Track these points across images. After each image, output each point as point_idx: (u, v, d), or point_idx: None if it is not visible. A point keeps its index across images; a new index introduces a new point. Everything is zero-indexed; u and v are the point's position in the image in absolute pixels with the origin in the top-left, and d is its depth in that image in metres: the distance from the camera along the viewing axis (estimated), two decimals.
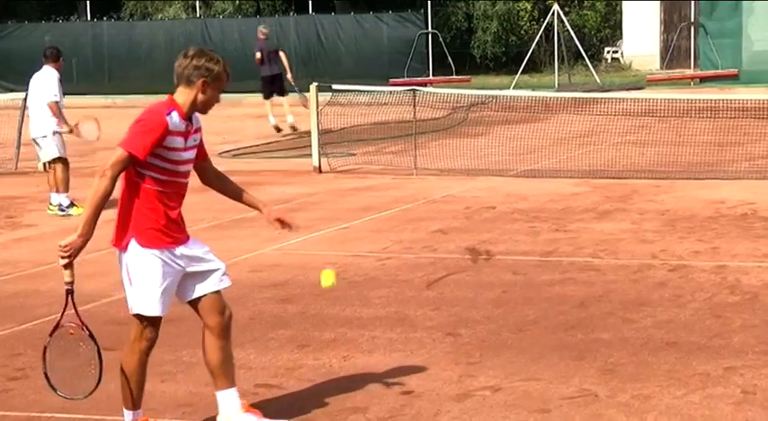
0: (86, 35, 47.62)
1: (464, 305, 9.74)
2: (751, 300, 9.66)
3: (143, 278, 6.56)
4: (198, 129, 6.70)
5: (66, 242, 6.50)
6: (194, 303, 6.67)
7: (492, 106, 29.30)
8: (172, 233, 6.65)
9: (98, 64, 45.79)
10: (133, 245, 6.62)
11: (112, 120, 33.84)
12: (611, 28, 49.95)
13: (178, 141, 6.47)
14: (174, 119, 6.42)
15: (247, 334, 9.00)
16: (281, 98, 27.59)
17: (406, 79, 38.00)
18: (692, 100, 29.67)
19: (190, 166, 6.74)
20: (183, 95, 6.54)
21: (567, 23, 42.53)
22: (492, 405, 7.09)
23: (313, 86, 20.10)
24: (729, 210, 14.25)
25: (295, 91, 27.14)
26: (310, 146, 19.56)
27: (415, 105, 21.25)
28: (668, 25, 47.13)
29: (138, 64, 44.80)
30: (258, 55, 28.68)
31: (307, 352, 8.37)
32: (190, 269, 6.62)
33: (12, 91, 31.98)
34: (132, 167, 6.52)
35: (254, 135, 26.11)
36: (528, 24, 48.21)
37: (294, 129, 26.66)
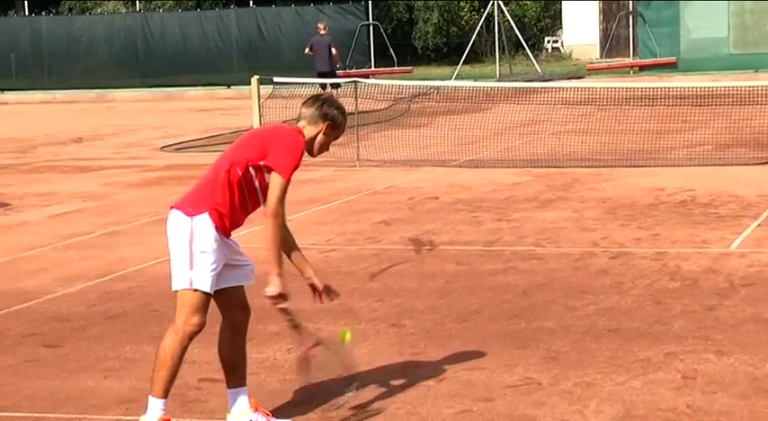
0: (24, 30, 47.40)
1: (408, 296, 9.72)
2: (691, 285, 9.70)
3: (205, 252, 6.37)
4: None
5: (272, 290, 6.44)
6: (220, 294, 6.56)
7: (434, 97, 29.41)
8: (231, 229, 6.61)
9: (37, 59, 45.50)
10: (205, 217, 6.41)
11: (52, 114, 33.93)
12: (550, 18, 50.24)
13: None
14: None
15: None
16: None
17: (349, 71, 37.95)
18: (631, 88, 30.03)
19: None
20: (309, 132, 6.80)
21: (507, 14, 42.70)
22: (436, 395, 7.08)
23: (254, 79, 20.06)
24: (669, 197, 14.30)
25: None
26: None
27: (356, 97, 21.24)
28: (607, 14, 47.41)
29: (78, 59, 44.57)
30: (308, 49, 31.33)
31: (250, 345, 8.27)
32: (229, 260, 6.55)
33: None
34: (249, 166, 6.52)
35: (197, 129, 25.96)
36: (468, 15, 48.39)
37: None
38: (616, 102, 27.79)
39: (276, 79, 23.52)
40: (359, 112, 20.89)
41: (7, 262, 11.94)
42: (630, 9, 44.83)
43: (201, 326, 6.40)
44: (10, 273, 11.35)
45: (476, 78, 37.18)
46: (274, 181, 6.43)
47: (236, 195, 6.49)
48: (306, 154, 6.77)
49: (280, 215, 6.43)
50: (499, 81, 36.17)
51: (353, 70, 38.02)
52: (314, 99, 6.93)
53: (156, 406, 6.32)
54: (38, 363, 8.18)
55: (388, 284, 10.23)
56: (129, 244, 12.63)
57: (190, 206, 6.45)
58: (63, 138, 25.78)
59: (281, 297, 6.50)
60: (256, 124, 19.49)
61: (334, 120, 6.79)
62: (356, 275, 10.59)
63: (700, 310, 8.87)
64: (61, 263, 11.76)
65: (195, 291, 6.33)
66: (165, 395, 6.32)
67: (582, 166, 17.31)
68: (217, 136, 23.84)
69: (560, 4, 49.46)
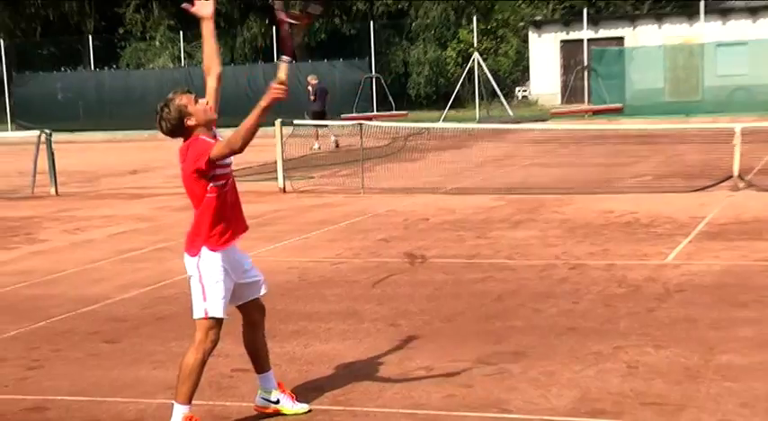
0: (91, 82, 47.64)
1: (403, 300, 9.72)
2: (634, 291, 9.71)
3: (218, 282, 6.24)
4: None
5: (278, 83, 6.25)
6: (240, 307, 6.54)
7: (425, 136, 29.43)
8: (236, 236, 6.43)
9: (100, 106, 45.63)
10: (205, 252, 6.28)
11: (112, 151, 34.00)
12: (520, 71, 50.28)
13: None
14: None
15: (226, 327, 8.95)
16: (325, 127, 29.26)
17: (355, 114, 37.96)
18: (586, 129, 30.13)
19: None
20: (192, 125, 6.48)
21: (485, 68, 42.74)
22: (426, 382, 7.07)
23: (277, 122, 20.06)
24: (617, 218, 14.31)
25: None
26: (276, 170, 19.55)
27: (362, 136, 21.25)
28: (566, 69, 47.43)
29: (134, 105, 44.47)
30: (313, 96, 31.48)
31: (274, 342, 8.30)
32: (240, 280, 6.39)
33: (28, 129, 31.72)
34: (204, 179, 6.39)
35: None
36: (453, 69, 48.39)
37: (338, 145, 28.96)
38: (574, 140, 27.91)
39: (296, 122, 23.54)
40: (363, 148, 20.91)
41: (75, 272, 11.96)
42: (585, 65, 44.91)
43: (217, 342, 6.33)
44: (77, 282, 11.37)
45: (459, 121, 37.13)
46: (218, 145, 6.20)
47: (220, 209, 6.32)
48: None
49: (235, 138, 6.12)
50: (479, 123, 36.18)
51: (359, 114, 37.95)
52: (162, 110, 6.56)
53: (180, 410, 6.19)
54: (99, 357, 8.19)
55: (387, 291, 10.22)
56: (175, 257, 12.60)
57: (190, 249, 6.37)
58: (121, 170, 25.81)
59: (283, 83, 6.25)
60: (279, 159, 19.52)
61: (180, 110, 6.38)
62: (361, 283, 10.58)
63: (641, 312, 8.87)
64: (119, 273, 11.77)
65: (210, 318, 6.24)
66: (189, 402, 6.21)
67: (546, 193, 17.31)
68: (246, 168, 23.84)
69: (528, 60, 49.52)
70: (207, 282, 6.21)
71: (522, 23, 50.33)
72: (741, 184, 16.86)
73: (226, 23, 52.90)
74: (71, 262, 12.68)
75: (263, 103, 6.10)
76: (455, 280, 10.61)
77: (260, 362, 6.64)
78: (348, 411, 6.56)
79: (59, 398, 7.09)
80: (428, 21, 51.01)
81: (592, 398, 6.59)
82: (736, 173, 17.13)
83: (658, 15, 48.03)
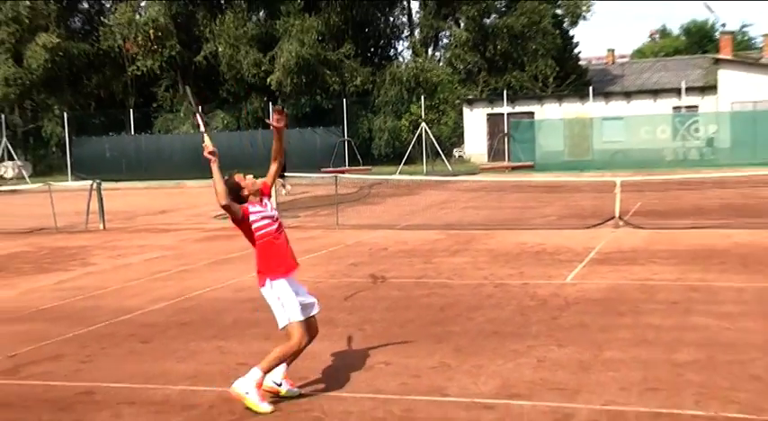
0: (131, 143, 47.68)
1: (368, 311, 9.71)
2: (542, 304, 9.73)
3: (287, 293, 6.40)
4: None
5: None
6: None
7: (385, 185, 29.49)
8: (290, 268, 6.64)
9: (138, 162, 45.50)
10: (268, 281, 6.48)
11: (147, 196, 33.85)
12: (457, 136, 50.55)
13: None
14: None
15: (232, 331, 8.92)
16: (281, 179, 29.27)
17: (331, 169, 38.00)
18: (506, 181, 30.18)
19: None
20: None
21: (430, 134, 42.98)
22: (385, 373, 7.07)
23: None
24: (529, 248, 14.36)
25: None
26: None
27: (336, 185, 21.28)
28: (492, 135, 47.74)
29: (164, 161, 44.65)
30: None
31: (269, 342, 8.27)
32: (301, 301, 6.44)
33: (84, 179, 31.58)
34: (253, 225, 6.59)
35: None
36: (406, 134, 48.51)
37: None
38: (497, 189, 28.02)
39: (286, 174, 23.55)
40: (338, 194, 20.92)
41: (117, 289, 11.87)
42: (506, 132, 45.25)
43: (307, 339, 6.41)
44: (118, 296, 11.28)
45: (411, 174, 37.28)
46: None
47: (269, 250, 6.47)
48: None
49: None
50: (426, 175, 36.34)
51: (335, 168, 38.01)
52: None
53: (257, 374, 6.22)
54: (135, 353, 8.13)
55: (356, 303, 10.20)
56: (194, 278, 12.57)
57: (260, 282, 6.50)
58: (153, 210, 25.67)
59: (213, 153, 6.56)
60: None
61: (232, 185, 6.59)
62: (335, 298, 10.54)
63: (548, 319, 8.90)
64: (150, 289, 11.69)
65: (294, 322, 6.30)
66: (266, 374, 6.29)
67: (476, 229, 17.37)
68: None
69: (463, 128, 49.81)
70: (282, 296, 6.35)
71: (458, 101, 50.63)
72: (621, 223, 17.00)
73: (234, 99, 53.05)
74: (114, 280, 12.60)
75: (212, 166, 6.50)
76: (407, 295, 10.61)
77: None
78: (326, 395, 6.54)
79: (104, 385, 7.04)
80: (387, 98, 51.26)
81: (510, 385, 6.61)
82: (617, 214, 17.27)
83: (559, 96, 48.53)
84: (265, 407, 6.18)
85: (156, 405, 6.47)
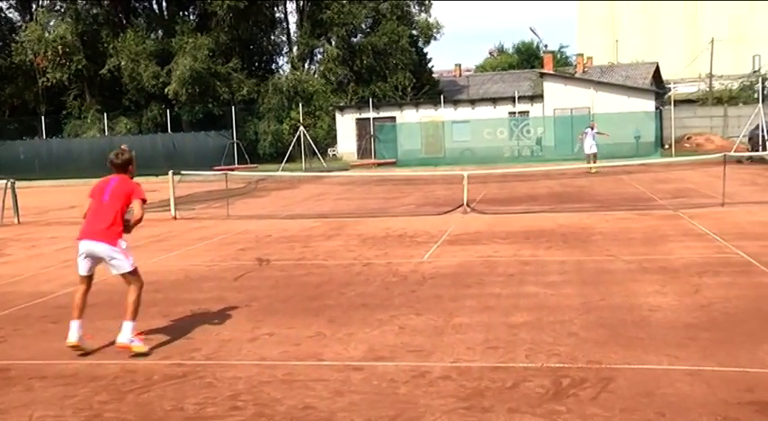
0: (43, 147, 46.07)
1: (254, 289, 9.57)
2: (404, 279, 9.80)
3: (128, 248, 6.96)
4: None
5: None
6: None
7: (269, 181, 29.18)
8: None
9: (50, 163, 43.75)
10: (120, 242, 6.88)
11: (58, 193, 32.50)
12: (331, 138, 50.46)
13: None
14: None
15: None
16: None
17: (222, 166, 37.39)
18: (373, 175, 30.32)
19: None
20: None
21: (308, 136, 42.78)
22: (270, 343, 6.99)
23: (171, 172, 19.58)
24: (393, 232, 14.44)
25: None
26: (170, 204, 19.03)
27: (227, 181, 20.95)
28: (360, 136, 47.92)
29: (73, 162, 43.10)
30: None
31: (167, 319, 8.11)
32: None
33: (1, 179, 30.15)
34: (126, 203, 6.87)
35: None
36: (287, 137, 48.11)
37: None
38: (366, 182, 28.11)
39: (183, 172, 23.01)
40: (228, 189, 20.58)
41: (30, 276, 11.33)
42: (372, 133, 45.47)
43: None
44: (32, 282, 10.78)
45: (292, 171, 37.01)
46: (138, 205, 6.87)
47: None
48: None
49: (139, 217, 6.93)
50: (304, 172, 36.15)
51: (225, 166, 37.41)
52: (117, 157, 7.12)
53: (131, 324, 6.74)
54: (47, 333, 7.80)
55: (244, 283, 10.05)
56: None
57: (110, 240, 6.83)
58: (64, 206, 24.63)
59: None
60: (171, 196, 19.02)
61: (131, 160, 7.15)
62: (226, 279, 10.37)
63: (408, 292, 8.97)
64: (62, 276, 11.20)
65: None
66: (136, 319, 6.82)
67: (348, 217, 17.39)
68: (150, 204, 23.14)
69: (336, 130, 49.77)
70: (125, 250, 6.89)
71: (331, 107, 50.55)
72: (468, 210, 17.31)
73: (135, 107, 51.62)
74: (28, 268, 12.02)
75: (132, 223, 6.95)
76: (288, 275, 10.51)
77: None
78: (217, 364, 6.42)
79: (18, 362, 6.71)
80: (270, 105, 50.73)
81: (376, 349, 6.63)
82: (465, 202, 17.59)
83: (416, 103, 49.02)
84: (145, 348, 6.73)
85: (65, 378, 6.21)
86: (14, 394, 5.87)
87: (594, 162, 28.53)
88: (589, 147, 29.76)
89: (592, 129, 30.47)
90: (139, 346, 6.71)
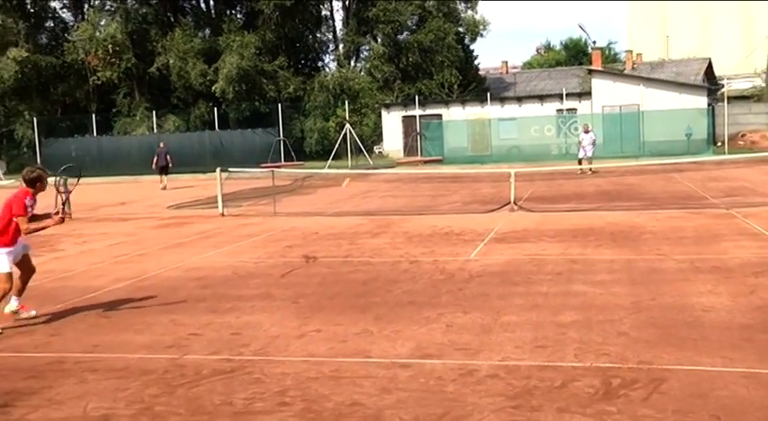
0: (94, 144, 46.77)
1: (301, 286, 9.64)
2: (450, 277, 9.79)
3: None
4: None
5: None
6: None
7: (315, 178, 29.33)
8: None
9: (100, 160, 44.50)
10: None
11: (108, 189, 33.11)
12: (377, 135, 50.53)
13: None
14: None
15: (183, 305, 8.77)
16: (165, 176, 31.26)
17: (269, 164, 37.67)
18: (419, 173, 30.27)
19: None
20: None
21: (354, 133, 42.90)
22: (317, 339, 7.03)
23: (218, 169, 19.80)
24: (439, 230, 14.44)
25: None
26: (217, 201, 19.25)
27: (273, 178, 21.11)
28: (406, 133, 47.86)
29: (122, 160, 43.89)
30: (155, 158, 32.43)
31: (216, 315, 8.20)
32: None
33: (52, 176, 30.63)
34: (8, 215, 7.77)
35: (188, 197, 25.53)
36: (333, 134, 48.29)
37: (164, 188, 30.27)
38: (412, 180, 28.10)
39: (231, 169, 23.25)
40: (275, 186, 20.74)
41: (82, 271, 11.57)
42: (418, 131, 45.42)
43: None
44: (84, 277, 11.00)
45: (338, 168, 37.15)
46: (23, 219, 7.73)
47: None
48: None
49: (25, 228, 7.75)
50: (351, 169, 36.27)
51: (272, 163, 37.70)
52: (26, 174, 7.95)
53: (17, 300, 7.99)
54: (99, 327, 7.93)
55: (291, 280, 10.12)
56: (150, 260, 12.33)
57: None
58: (114, 202, 25.10)
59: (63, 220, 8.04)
60: (219, 193, 19.23)
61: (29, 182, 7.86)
62: (273, 276, 10.46)
63: (455, 290, 8.95)
64: (112, 271, 11.42)
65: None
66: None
67: (394, 215, 17.42)
68: (198, 201, 23.46)
69: (382, 128, 49.83)
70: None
71: (377, 105, 50.60)
72: (515, 208, 17.22)
73: (183, 105, 52.30)
74: (80, 264, 12.28)
75: (48, 224, 7.98)
76: (335, 272, 10.56)
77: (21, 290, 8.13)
78: (265, 360, 6.47)
79: (71, 355, 6.85)
80: (316, 103, 50.98)
81: (423, 347, 6.62)
82: (512, 200, 17.50)
83: (463, 100, 48.84)
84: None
85: (117, 371, 6.32)
86: (69, 386, 6.00)
87: (590, 163, 28.36)
88: (589, 149, 29.44)
89: (587, 132, 30.04)
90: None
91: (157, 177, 32.50)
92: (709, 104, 43.57)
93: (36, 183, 7.83)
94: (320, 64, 59.62)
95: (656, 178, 24.59)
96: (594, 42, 62.27)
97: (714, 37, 70.00)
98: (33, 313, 8.21)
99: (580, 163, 28.89)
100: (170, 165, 32.35)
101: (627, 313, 7.46)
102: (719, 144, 41.29)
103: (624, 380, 5.56)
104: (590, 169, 27.74)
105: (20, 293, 8.08)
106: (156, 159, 32.30)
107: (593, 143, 29.73)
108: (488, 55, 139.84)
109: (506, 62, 63.24)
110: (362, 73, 53.95)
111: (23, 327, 8.01)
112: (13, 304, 8.03)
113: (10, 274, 7.79)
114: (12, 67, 49.72)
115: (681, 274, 9.28)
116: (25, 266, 8.10)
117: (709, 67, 50.35)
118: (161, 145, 33.51)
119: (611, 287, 8.72)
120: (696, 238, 12.05)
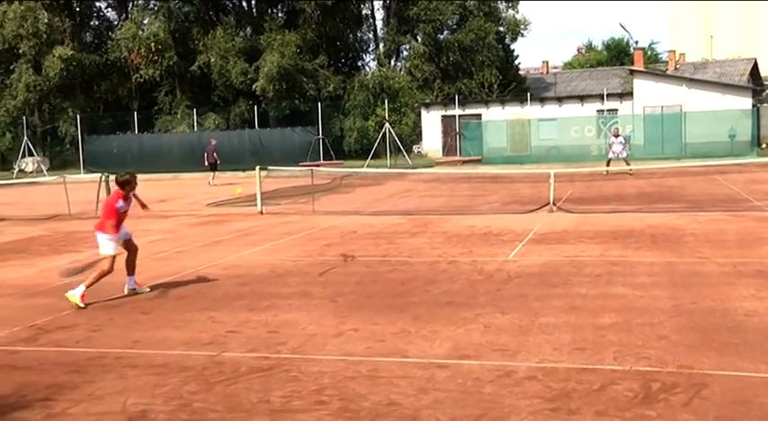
0: (135, 141, 47.37)
1: (339, 285, 9.66)
2: (489, 278, 9.74)
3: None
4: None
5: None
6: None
7: (354, 177, 29.38)
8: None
9: (141, 156, 45.05)
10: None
11: (148, 186, 33.43)
12: (416, 135, 50.43)
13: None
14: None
15: (222, 303, 8.84)
16: (215, 172, 31.77)
17: (308, 163, 37.80)
18: (458, 173, 30.18)
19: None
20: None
21: (393, 133, 42.88)
22: (354, 338, 7.04)
23: (258, 167, 19.92)
24: (477, 230, 14.38)
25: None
26: (256, 199, 19.37)
27: (312, 176, 21.19)
28: (445, 133, 47.73)
29: (163, 156, 44.34)
30: (205, 154, 33.19)
31: (254, 313, 8.25)
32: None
33: (94, 172, 31.13)
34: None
35: (226, 194, 25.74)
36: (372, 133, 48.31)
37: (211, 184, 30.97)
38: (451, 180, 28.01)
39: (270, 167, 23.39)
40: (314, 185, 20.80)
41: (122, 268, 11.61)
42: (457, 131, 45.27)
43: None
44: (124, 274, 11.04)
45: (377, 167, 37.18)
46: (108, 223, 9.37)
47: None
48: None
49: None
50: (389, 168, 36.27)
51: (311, 162, 37.84)
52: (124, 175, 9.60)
53: (83, 288, 8.77)
54: (139, 323, 8.04)
55: (329, 278, 10.15)
56: (189, 257, 12.45)
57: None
58: (154, 199, 25.31)
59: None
60: (258, 192, 19.35)
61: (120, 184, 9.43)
62: (311, 274, 10.50)
63: (493, 291, 8.91)
64: (152, 268, 11.56)
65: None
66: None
67: (432, 214, 17.38)
68: (236, 198, 23.64)
69: (421, 127, 49.76)
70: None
71: (416, 104, 50.53)
72: (554, 208, 17.09)
73: (224, 103, 52.74)
74: (120, 260, 12.34)
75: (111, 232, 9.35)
76: (373, 271, 10.57)
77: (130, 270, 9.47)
78: (303, 358, 6.49)
79: (112, 350, 6.94)
80: (356, 102, 51.02)
81: (461, 347, 6.59)
82: (551, 201, 17.36)
83: (502, 100, 48.57)
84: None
85: (156, 367, 6.39)
86: (109, 381, 6.08)
87: (628, 163, 28.10)
88: (620, 151, 29.12)
89: (616, 136, 29.78)
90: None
91: (205, 174, 33.44)
92: (753, 105, 42.81)
93: (125, 186, 9.43)
94: (360, 63, 59.72)
95: (697, 180, 24.22)
96: (636, 42, 61.57)
97: (759, 37, 68.76)
98: (147, 289, 9.52)
99: (608, 164, 28.67)
100: (218, 161, 32.80)
101: (667, 316, 7.36)
102: (764, 146, 40.55)
103: (664, 384, 5.48)
104: (629, 171, 27.44)
105: (133, 271, 9.45)
106: (206, 155, 32.93)
107: (624, 145, 29.53)
108: (529, 55, 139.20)
109: (547, 62, 62.80)
110: (402, 72, 53.90)
111: (65, 323, 8.14)
112: (130, 283, 9.46)
113: (113, 257, 9.04)
114: (57, 65, 50.61)
115: (723, 278, 9.13)
116: (130, 247, 9.53)
117: (755, 67, 49.47)
118: (212, 142, 33.86)
119: (652, 290, 8.61)
120: (739, 241, 11.84)
